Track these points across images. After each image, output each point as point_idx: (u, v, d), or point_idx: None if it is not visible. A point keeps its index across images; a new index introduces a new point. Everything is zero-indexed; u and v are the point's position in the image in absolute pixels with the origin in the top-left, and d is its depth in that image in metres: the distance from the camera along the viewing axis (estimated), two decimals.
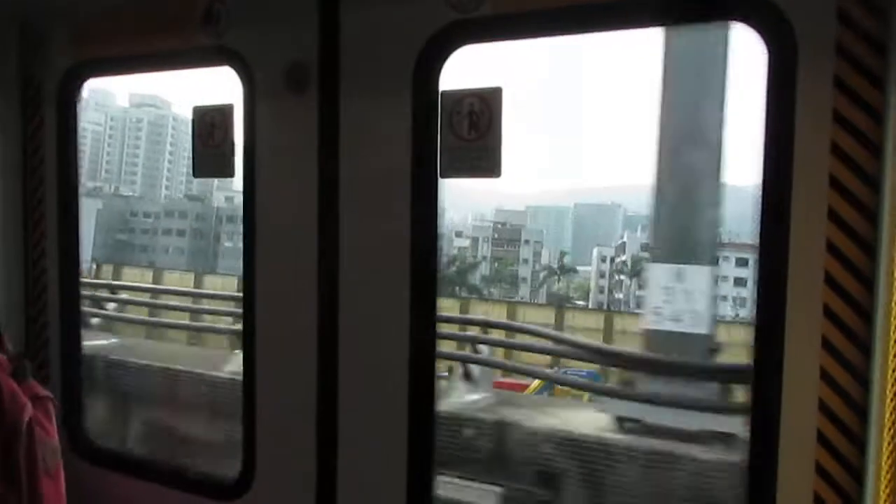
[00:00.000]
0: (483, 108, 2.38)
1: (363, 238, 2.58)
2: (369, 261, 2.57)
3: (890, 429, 1.62)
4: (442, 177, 2.46)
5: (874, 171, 1.84)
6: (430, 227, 2.50)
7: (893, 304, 1.62)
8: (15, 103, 3.20)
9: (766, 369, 2.02)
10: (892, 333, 1.61)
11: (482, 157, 2.40)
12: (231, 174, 2.83)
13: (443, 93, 2.44)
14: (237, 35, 2.74)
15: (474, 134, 2.39)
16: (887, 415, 1.62)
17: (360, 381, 2.61)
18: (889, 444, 1.62)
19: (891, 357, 1.61)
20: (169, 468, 3.32)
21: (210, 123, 2.83)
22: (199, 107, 2.86)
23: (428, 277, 2.52)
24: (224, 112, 2.82)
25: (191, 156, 2.89)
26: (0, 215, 3.19)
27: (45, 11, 3.10)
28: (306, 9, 2.59)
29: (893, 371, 1.59)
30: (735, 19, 2.06)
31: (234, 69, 2.76)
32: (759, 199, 2.02)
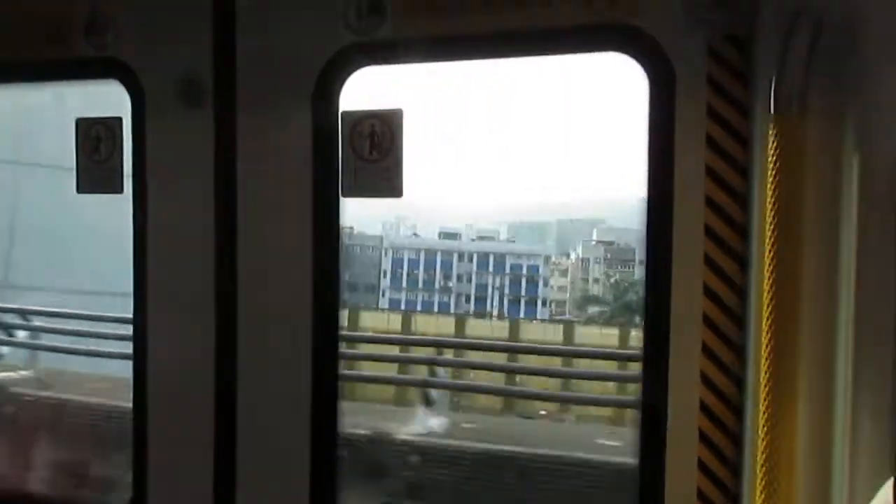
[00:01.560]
0: (385, 130, 2.45)
1: (263, 259, 2.57)
2: (269, 281, 2.56)
3: (764, 426, 1.77)
4: (343, 195, 2.49)
5: (743, 190, 2.09)
6: (331, 246, 2.53)
7: (763, 310, 1.82)
8: None
9: (652, 374, 2.22)
10: (763, 338, 1.78)
11: (384, 178, 2.46)
12: (119, 190, 2.72)
13: (343, 113, 2.48)
14: (125, 46, 2.66)
15: (376, 154, 2.46)
16: (761, 413, 1.78)
17: (260, 403, 2.59)
18: (763, 440, 1.77)
19: (763, 359, 1.78)
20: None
21: (96, 137, 2.72)
22: (84, 119, 2.74)
23: (330, 297, 2.55)
24: (110, 125, 2.72)
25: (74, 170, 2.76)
26: None
27: None
28: (200, 21, 2.57)
29: (766, 372, 1.77)
30: (618, 51, 2.26)
31: (122, 82, 2.67)
32: (644, 215, 2.24)
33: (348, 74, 2.50)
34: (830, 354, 1.77)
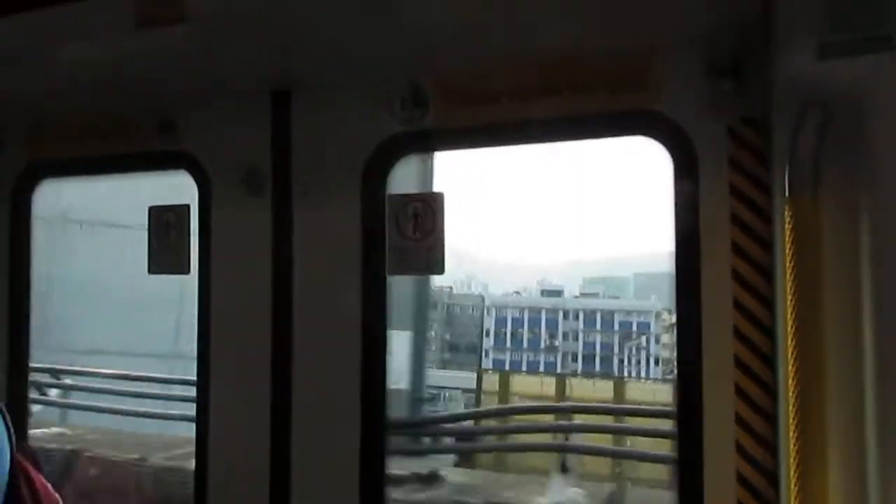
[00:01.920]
0: (427, 211, 2.60)
1: (316, 331, 2.73)
2: (322, 354, 2.71)
3: (795, 458, 1.79)
4: (389, 273, 2.65)
5: (767, 263, 2.12)
6: (379, 320, 2.68)
7: (790, 378, 1.82)
8: None
9: (686, 418, 2.23)
10: (791, 380, 1.81)
11: (426, 256, 2.60)
12: (186, 271, 2.95)
13: (389, 196, 2.66)
14: (193, 140, 2.93)
15: (419, 234, 2.60)
16: (792, 449, 1.80)
17: (312, 471, 2.71)
18: (795, 473, 1.79)
19: (792, 400, 1.79)
20: None
21: (166, 222, 2.99)
22: (156, 207, 3.01)
23: (378, 367, 2.68)
24: (179, 212, 2.97)
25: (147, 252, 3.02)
26: None
27: (2, 112, 3.23)
28: (260, 117, 2.81)
29: (795, 410, 1.78)
30: (644, 135, 2.34)
31: (190, 173, 2.93)
32: (674, 288, 2.26)
33: (394, 161, 2.70)
34: (858, 402, 1.77)
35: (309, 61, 2.59)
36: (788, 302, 1.80)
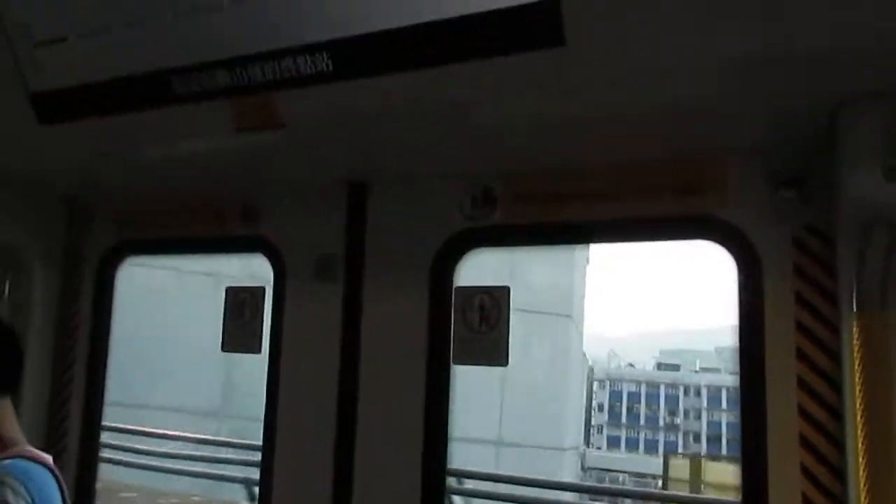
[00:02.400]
0: (492, 304, 2.71)
1: (381, 416, 2.81)
2: (386, 437, 2.79)
3: None
4: (454, 363, 2.75)
5: (833, 371, 2.16)
6: (442, 407, 2.75)
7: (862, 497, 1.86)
8: (57, 275, 3.48)
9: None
10: (861, 492, 1.83)
11: (491, 348, 2.70)
12: (258, 350, 3.08)
13: (456, 288, 2.78)
14: (272, 227, 3.11)
15: (484, 327, 2.70)
16: None
17: None
18: None
19: (862, 484, 1.81)
20: None
21: (241, 302, 3.14)
22: (232, 287, 3.17)
23: (439, 453, 2.74)
24: (255, 293, 3.13)
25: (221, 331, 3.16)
26: (30, 381, 3.37)
27: (94, 191, 3.45)
28: (336, 207, 2.98)
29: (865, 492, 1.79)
30: (708, 239, 2.44)
31: (267, 256, 3.09)
32: (739, 393, 2.32)
33: (462, 255, 2.82)
34: None
35: (385, 158, 2.75)
36: (858, 415, 1.84)
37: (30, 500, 2.13)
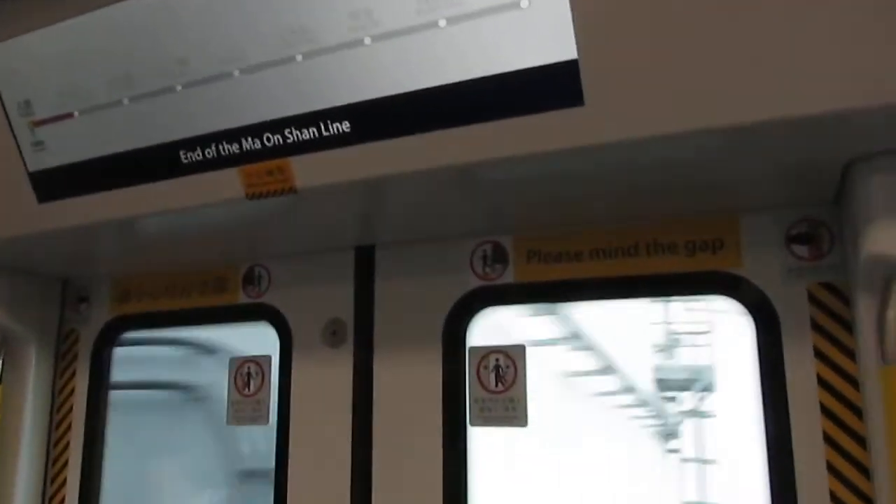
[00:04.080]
0: (508, 363, 2.69)
1: (397, 481, 2.75)
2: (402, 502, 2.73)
3: None
4: (471, 425, 2.71)
5: (858, 427, 2.18)
6: (460, 472, 2.70)
7: None
8: (50, 354, 3.37)
9: None
10: None
11: (508, 408, 2.67)
12: (265, 422, 3.01)
13: (470, 349, 2.75)
14: (276, 294, 3.06)
15: (501, 387, 2.68)
16: None
17: None
18: None
19: None
20: None
21: (247, 373, 3.07)
22: (236, 357, 3.11)
23: None
24: (260, 362, 3.06)
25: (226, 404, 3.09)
26: (25, 459, 3.25)
27: (89, 271, 3.38)
28: (343, 271, 2.95)
29: None
30: (721, 295, 2.46)
31: (273, 325, 3.04)
32: (764, 449, 2.32)
33: (474, 314, 2.80)
34: None
35: (394, 220, 2.75)
36: (887, 472, 1.85)
37: None
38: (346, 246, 2.95)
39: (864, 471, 2.15)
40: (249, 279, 3.11)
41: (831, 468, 2.19)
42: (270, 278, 3.09)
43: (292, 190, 2.35)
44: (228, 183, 2.42)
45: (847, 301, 2.24)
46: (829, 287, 2.30)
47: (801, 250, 2.35)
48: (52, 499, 3.30)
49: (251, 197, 2.41)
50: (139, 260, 3.20)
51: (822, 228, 2.33)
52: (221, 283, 3.15)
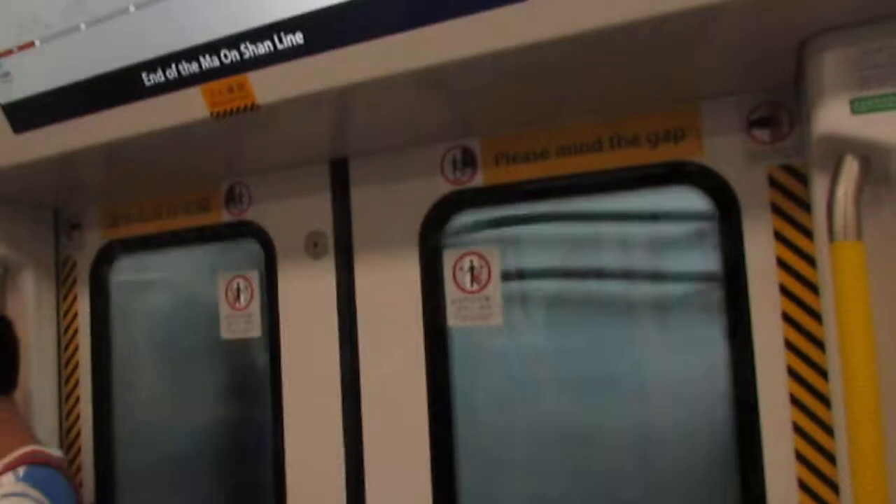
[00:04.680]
0: (482, 264, 2.76)
1: (384, 382, 2.89)
2: (390, 404, 2.87)
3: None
4: (450, 324, 2.80)
5: (815, 304, 2.24)
6: (444, 369, 2.82)
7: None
8: (51, 281, 3.52)
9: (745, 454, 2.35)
10: (845, 413, 1.87)
11: (484, 307, 2.76)
12: (257, 333, 3.14)
13: (446, 252, 2.82)
14: (258, 211, 3.14)
15: (476, 286, 2.76)
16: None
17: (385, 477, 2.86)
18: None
19: (847, 436, 1.85)
20: None
21: (237, 289, 3.18)
22: (225, 274, 3.21)
23: (445, 408, 2.83)
24: (248, 278, 3.17)
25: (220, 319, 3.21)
26: (35, 385, 3.43)
27: (77, 199, 3.47)
28: (320, 185, 3.00)
29: (850, 446, 1.83)
30: (686, 185, 2.48)
31: (257, 241, 3.13)
32: (725, 331, 2.39)
33: (448, 219, 2.85)
34: None
35: (363, 130, 2.77)
36: (842, 346, 1.90)
37: (45, 502, 2.19)
38: (320, 159, 2.99)
39: (820, 345, 2.22)
40: (231, 198, 3.19)
41: (789, 345, 2.26)
42: (251, 196, 3.15)
43: (254, 106, 2.37)
44: (193, 103, 2.45)
45: (806, 182, 2.26)
46: (788, 169, 2.31)
47: (762, 134, 2.35)
48: (68, 414, 3.50)
49: (216, 115, 2.43)
50: (124, 185, 3.27)
51: (782, 111, 2.32)
52: (205, 204, 3.23)
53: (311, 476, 2.98)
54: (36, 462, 2.31)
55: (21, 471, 2.24)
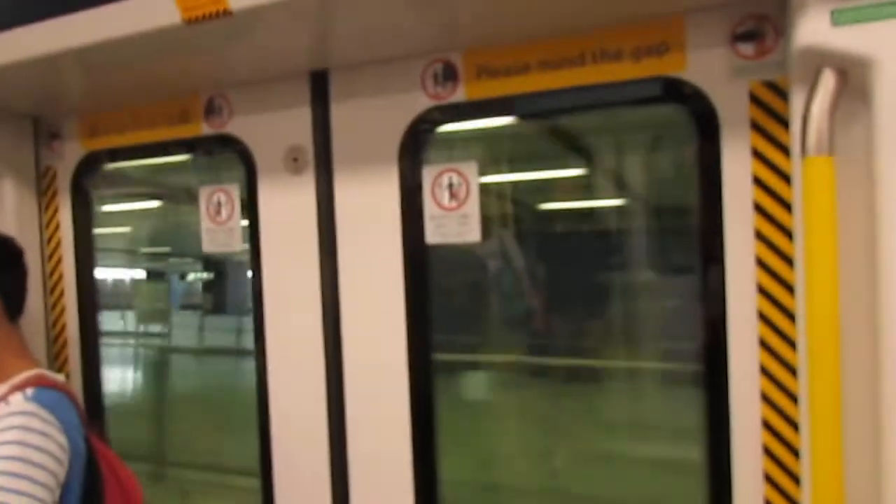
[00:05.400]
0: (461, 181, 2.75)
1: (363, 298, 2.91)
2: (369, 319, 2.91)
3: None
4: (429, 241, 2.81)
5: (787, 222, 2.24)
6: (422, 286, 2.85)
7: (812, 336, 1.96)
8: (32, 191, 3.51)
9: (712, 371, 2.39)
10: (811, 331, 1.90)
11: (461, 224, 2.76)
12: (238, 247, 3.15)
13: (424, 168, 2.81)
14: (238, 124, 3.10)
15: (454, 203, 2.76)
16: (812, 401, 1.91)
17: (366, 425, 2.93)
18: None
19: (812, 348, 1.90)
20: None
21: (217, 202, 3.17)
22: (206, 187, 3.20)
23: (424, 331, 2.86)
24: (229, 191, 3.16)
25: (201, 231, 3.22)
26: None
27: (57, 108, 3.42)
28: (299, 98, 2.96)
29: (814, 360, 1.89)
30: (668, 101, 2.45)
31: (237, 154, 3.11)
32: (698, 247, 2.40)
33: (428, 134, 2.82)
34: (872, 356, 1.88)
35: (343, 42, 2.71)
36: (808, 259, 1.92)
37: (60, 427, 2.23)
38: (300, 71, 2.94)
39: (790, 262, 2.23)
40: (211, 110, 3.14)
41: (760, 262, 2.28)
42: (231, 108, 3.11)
43: (227, 12, 2.32)
44: (166, 7, 2.40)
45: (787, 99, 2.23)
46: (770, 85, 2.27)
47: (747, 49, 2.30)
48: (55, 324, 3.54)
49: (188, 21, 2.38)
50: (103, 95, 3.23)
51: (767, 24, 2.27)
52: (184, 115, 3.19)
53: (292, 389, 3.04)
54: (43, 384, 2.34)
55: (30, 392, 2.27)
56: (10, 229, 3.35)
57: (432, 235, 2.81)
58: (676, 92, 2.40)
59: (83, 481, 2.29)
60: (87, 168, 3.49)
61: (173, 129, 3.22)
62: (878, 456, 1.87)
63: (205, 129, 3.16)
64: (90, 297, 3.54)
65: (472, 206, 2.75)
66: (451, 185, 2.77)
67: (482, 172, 2.77)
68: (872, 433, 1.89)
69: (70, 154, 3.50)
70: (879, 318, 1.85)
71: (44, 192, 3.55)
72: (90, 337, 3.54)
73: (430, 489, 2.86)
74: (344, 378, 2.96)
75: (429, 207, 2.80)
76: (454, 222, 2.77)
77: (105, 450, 2.52)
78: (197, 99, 3.16)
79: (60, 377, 2.63)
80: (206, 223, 3.21)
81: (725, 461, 2.35)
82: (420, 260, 2.84)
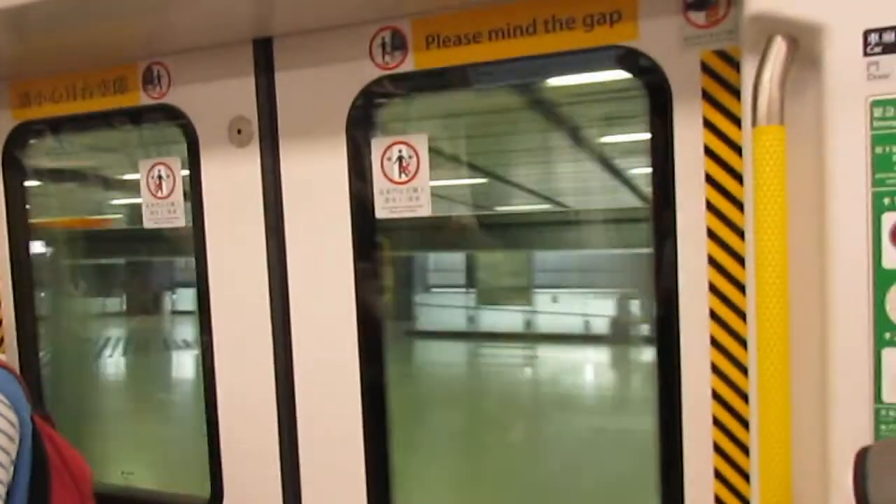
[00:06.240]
0: (411, 153, 2.68)
1: (311, 274, 2.84)
2: (318, 295, 2.83)
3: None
4: (377, 215, 2.74)
5: (738, 193, 2.23)
6: (372, 261, 2.78)
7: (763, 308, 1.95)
8: None
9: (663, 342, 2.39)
10: (760, 301, 1.89)
11: (412, 198, 2.70)
12: (182, 222, 3.04)
13: (373, 140, 2.73)
14: (178, 93, 2.98)
15: (404, 177, 2.69)
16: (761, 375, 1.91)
17: (317, 401, 2.87)
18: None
19: (762, 318, 1.89)
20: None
21: (158, 176, 3.05)
22: (147, 161, 3.07)
23: (374, 300, 2.81)
24: (170, 165, 3.04)
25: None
26: None
27: None
28: (242, 67, 2.85)
29: (764, 328, 1.88)
30: (620, 69, 2.42)
31: (179, 126, 2.98)
32: (651, 218, 2.38)
33: (377, 105, 2.74)
34: (820, 322, 1.88)
35: (288, 7, 2.61)
36: (757, 230, 1.91)
37: (9, 405, 2.13)
38: (243, 39, 2.83)
39: (740, 233, 2.22)
40: (149, 79, 3.01)
41: (711, 233, 2.27)
42: (171, 77, 2.98)
43: None
44: None
45: (739, 68, 2.21)
46: (722, 55, 2.24)
47: (698, 17, 2.27)
48: None
49: None
50: (34, 61, 3.06)
51: None
52: (121, 84, 3.05)
53: (240, 367, 2.96)
54: None
55: None
56: None
57: (382, 210, 2.74)
58: (628, 61, 2.36)
59: (30, 459, 2.21)
60: (18, 139, 3.32)
61: (110, 99, 3.08)
62: (825, 426, 1.87)
63: (143, 98, 3.03)
64: (25, 275, 3.39)
65: (423, 180, 2.68)
66: (400, 158, 2.70)
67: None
68: (820, 403, 1.89)
69: (1, 125, 3.33)
70: (828, 288, 1.85)
71: None
72: (26, 316, 3.39)
73: (382, 448, 2.84)
74: (293, 357, 2.89)
75: (378, 181, 2.73)
76: (404, 196, 2.71)
77: (50, 431, 2.43)
78: (134, 67, 3.02)
79: (2, 356, 2.53)
80: (146, 197, 3.08)
81: (677, 432, 2.35)
82: (368, 233, 2.77)
